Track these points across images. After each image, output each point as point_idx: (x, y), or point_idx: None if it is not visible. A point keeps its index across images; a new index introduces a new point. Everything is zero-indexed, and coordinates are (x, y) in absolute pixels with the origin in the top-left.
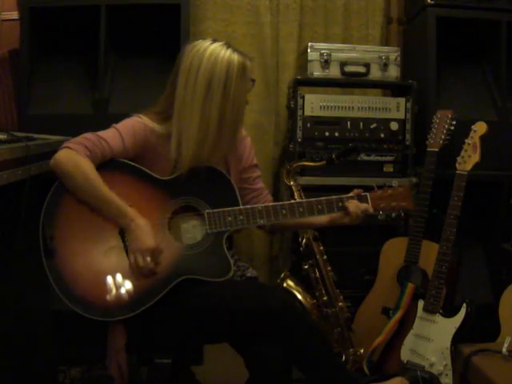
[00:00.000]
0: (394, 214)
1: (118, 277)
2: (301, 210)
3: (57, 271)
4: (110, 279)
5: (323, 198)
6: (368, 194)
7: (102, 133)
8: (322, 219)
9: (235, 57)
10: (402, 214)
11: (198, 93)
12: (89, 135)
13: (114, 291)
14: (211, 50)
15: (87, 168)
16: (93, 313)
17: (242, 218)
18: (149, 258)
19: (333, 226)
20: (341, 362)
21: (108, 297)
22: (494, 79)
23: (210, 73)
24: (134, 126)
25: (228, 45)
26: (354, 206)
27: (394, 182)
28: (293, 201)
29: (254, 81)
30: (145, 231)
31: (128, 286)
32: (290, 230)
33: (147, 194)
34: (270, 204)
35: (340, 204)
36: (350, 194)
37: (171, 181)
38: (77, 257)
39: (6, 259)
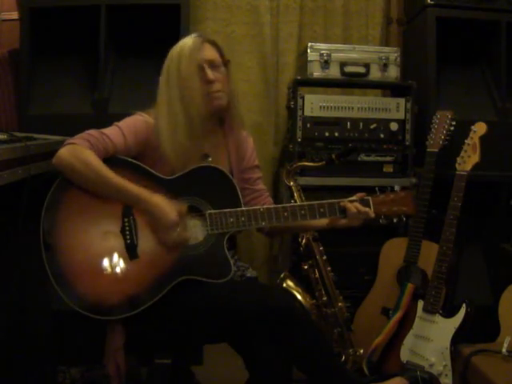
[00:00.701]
0: (395, 220)
1: (119, 275)
2: (303, 212)
3: (57, 269)
4: (110, 278)
5: (325, 200)
6: (370, 198)
7: (104, 130)
8: (322, 222)
9: (190, 40)
10: (404, 219)
11: (161, 81)
12: (91, 131)
13: (114, 290)
14: (179, 43)
15: (92, 159)
16: (92, 311)
17: (243, 219)
18: (178, 230)
19: (332, 228)
20: (341, 363)
21: (107, 295)
22: (493, 79)
23: (168, 59)
24: (135, 124)
25: (197, 34)
26: (354, 207)
27: (397, 187)
28: (295, 203)
29: (226, 61)
30: (162, 207)
31: (128, 285)
32: (289, 233)
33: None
34: (272, 206)
35: (342, 207)
36: (353, 198)
37: (174, 180)
38: (77, 255)
39: (6, 259)
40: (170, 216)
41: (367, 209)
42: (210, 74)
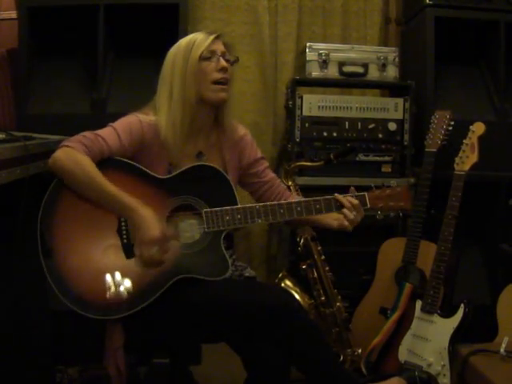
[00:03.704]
0: (392, 214)
1: (116, 275)
2: (298, 209)
3: (55, 270)
4: (107, 278)
5: (321, 197)
6: (366, 193)
7: (99, 131)
8: (332, 223)
9: (199, 35)
10: (401, 214)
11: (165, 70)
12: (86, 133)
13: (111, 290)
14: (188, 35)
15: (87, 164)
16: (91, 311)
17: (239, 216)
18: (154, 249)
19: (341, 229)
20: (339, 362)
21: (106, 295)
22: (492, 80)
23: (175, 52)
24: (130, 124)
25: (201, 31)
26: (347, 201)
27: (393, 182)
28: (291, 200)
29: (236, 58)
30: (148, 221)
31: (126, 284)
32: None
33: (146, 192)
34: (268, 203)
35: (338, 203)
36: (349, 194)
37: (169, 179)
38: (75, 255)
39: (5, 259)
40: (153, 232)
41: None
42: (224, 62)
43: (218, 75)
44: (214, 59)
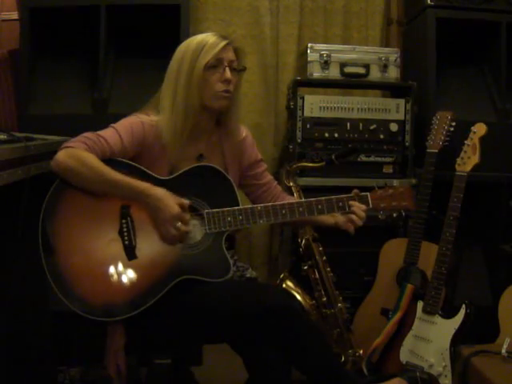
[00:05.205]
0: (394, 214)
1: (118, 277)
2: (300, 209)
3: (56, 271)
4: (109, 279)
5: (323, 197)
6: (369, 194)
7: (100, 132)
8: (329, 221)
9: (211, 39)
10: (403, 214)
11: (172, 69)
12: (88, 134)
13: (113, 291)
14: (199, 36)
15: (91, 160)
16: (92, 313)
17: (241, 218)
18: (179, 224)
19: (337, 227)
20: (340, 363)
21: (107, 297)
22: (493, 80)
23: (183, 51)
24: (131, 125)
25: (219, 34)
26: (357, 208)
27: (395, 181)
28: (293, 201)
29: (243, 68)
30: (164, 201)
31: (127, 286)
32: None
33: None
34: (270, 204)
35: (340, 204)
36: (351, 195)
37: (171, 180)
38: (76, 257)
39: (6, 259)
40: (172, 209)
41: (364, 206)
42: (229, 73)
43: (221, 87)
44: (219, 69)
